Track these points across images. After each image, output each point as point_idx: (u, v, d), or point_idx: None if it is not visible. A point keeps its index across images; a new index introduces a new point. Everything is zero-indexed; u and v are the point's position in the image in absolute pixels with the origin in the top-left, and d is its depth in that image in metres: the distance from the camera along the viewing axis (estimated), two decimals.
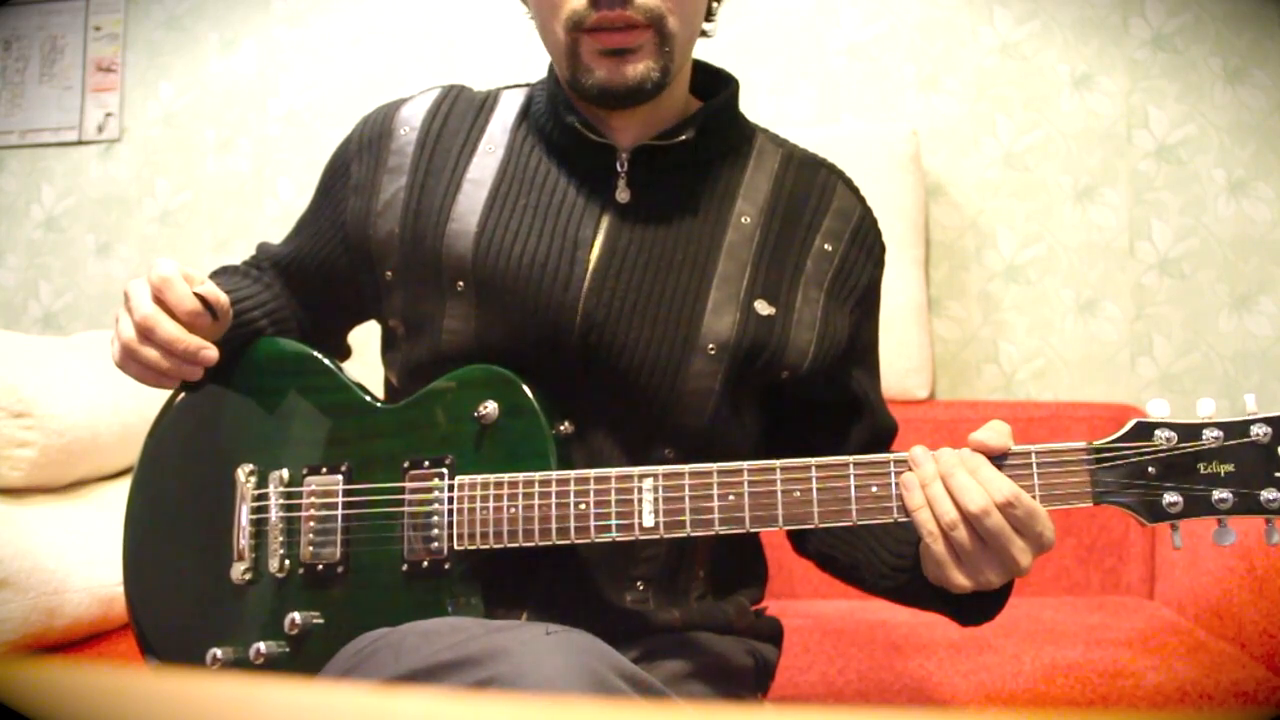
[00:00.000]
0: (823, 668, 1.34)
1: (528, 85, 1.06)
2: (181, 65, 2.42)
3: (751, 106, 1.09)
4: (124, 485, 1.68)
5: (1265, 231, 1.97)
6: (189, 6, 2.42)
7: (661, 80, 0.92)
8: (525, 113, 1.02)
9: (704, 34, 1.00)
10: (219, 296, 0.94)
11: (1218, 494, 0.78)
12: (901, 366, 1.91)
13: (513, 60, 2.25)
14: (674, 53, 0.92)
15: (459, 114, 1.02)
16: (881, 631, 1.44)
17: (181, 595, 0.99)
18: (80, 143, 2.45)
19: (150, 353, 0.92)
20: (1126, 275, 2.01)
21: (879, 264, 1.05)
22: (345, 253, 1.04)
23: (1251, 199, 1.98)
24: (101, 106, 2.44)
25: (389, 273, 1.00)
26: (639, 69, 0.90)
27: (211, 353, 0.94)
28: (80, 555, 1.45)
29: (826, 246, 1.00)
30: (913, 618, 1.51)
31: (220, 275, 1.09)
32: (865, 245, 1.03)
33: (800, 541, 1.07)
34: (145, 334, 0.92)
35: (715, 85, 1.04)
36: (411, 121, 1.02)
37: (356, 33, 2.34)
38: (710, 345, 0.94)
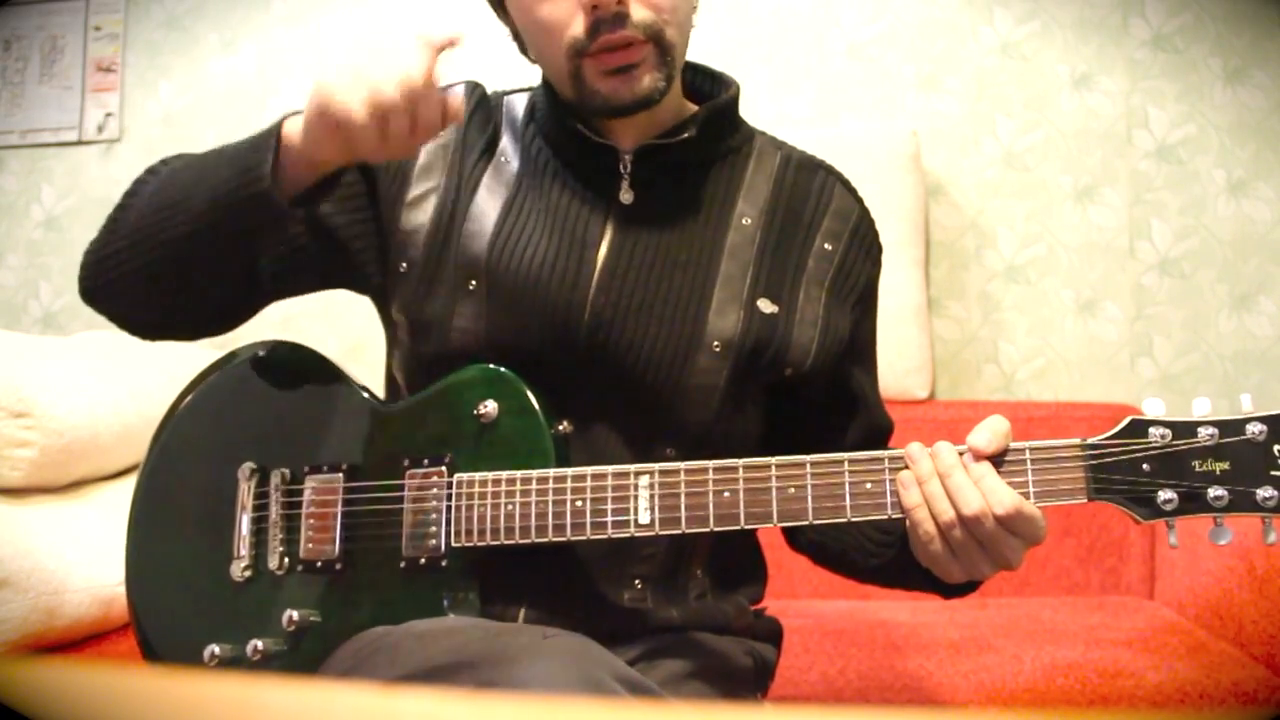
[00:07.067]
0: (823, 668, 1.34)
1: (529, 90, 1.07)
2: (181, 65, 2.42)
3: (751, 106, 1.10)
4: (124, 485, 1.69)
5: (1265, 231, 1.97)
6: (189, 6, 2.42)
7: (666, 89, 0.94)
8: (530, 118, 1.03)
9: None
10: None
11: (1213, 492, 0.77)
12: (901, 366, 1.91)
13: (512, 59, 2.25)
14: (674, 60, 0.94)
15: (480, 116, 1.04)
16: (881, 631, 1.44)
17: (182, 592, 1.00)
18: (80, 143, 2.45)
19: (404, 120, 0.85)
20: (1126, 275, 2.01)
21: (877, 263, 1.07)
22: (365, 226, 1.00)
23: (1251, 199, 1.98)
24: (101, 106, 2.44)
25: (404, 264, 0.99)
26: (644, 83, 0.92)
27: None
28: (80, 555, 1.45)
29: (827, 246, 1.01)
30: (913, 618, 1.51)
31: None
32: (864, 245, 1.05)
33: (793, 534, 1.08)
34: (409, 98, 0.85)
35: (715, 88, 1.05)
36: None
37: (356, 33, 2.34)
38: (715, 343, 0.95)
